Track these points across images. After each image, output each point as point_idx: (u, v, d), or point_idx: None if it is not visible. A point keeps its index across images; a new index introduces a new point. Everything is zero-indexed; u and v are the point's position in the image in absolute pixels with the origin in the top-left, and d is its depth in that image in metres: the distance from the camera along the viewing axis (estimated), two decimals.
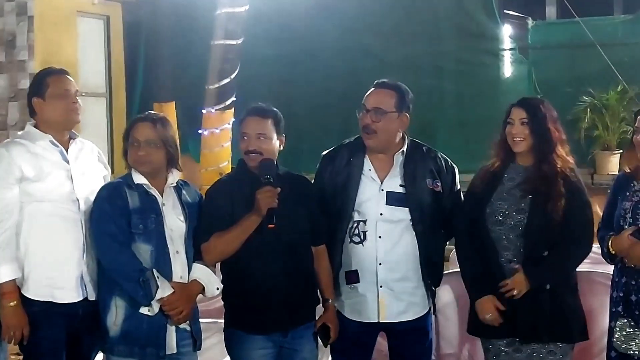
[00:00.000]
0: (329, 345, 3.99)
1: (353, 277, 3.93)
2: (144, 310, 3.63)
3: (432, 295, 4.05)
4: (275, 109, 3.87)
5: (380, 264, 3.91)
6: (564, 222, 3.72)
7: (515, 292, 3.71)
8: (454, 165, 4.12)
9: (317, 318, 3.92)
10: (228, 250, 3.72)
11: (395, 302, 3.94)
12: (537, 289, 3.73)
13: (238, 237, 3.69)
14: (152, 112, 4.03)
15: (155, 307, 3.62)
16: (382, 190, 3.95)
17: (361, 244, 3.93)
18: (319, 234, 3.91)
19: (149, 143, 3.72)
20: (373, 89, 4.01)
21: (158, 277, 3.61)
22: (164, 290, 3.61)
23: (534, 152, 3.83)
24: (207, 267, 3.76)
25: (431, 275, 4.01)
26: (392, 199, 3.93)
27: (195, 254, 3.77)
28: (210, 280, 3.76)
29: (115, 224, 3.63)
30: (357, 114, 3.98)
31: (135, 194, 3.69)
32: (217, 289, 3.78)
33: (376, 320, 3.95)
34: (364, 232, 3.92)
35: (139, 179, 3.72)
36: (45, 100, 3.83)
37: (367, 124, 3.92)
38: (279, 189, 3.67)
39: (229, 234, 3.70)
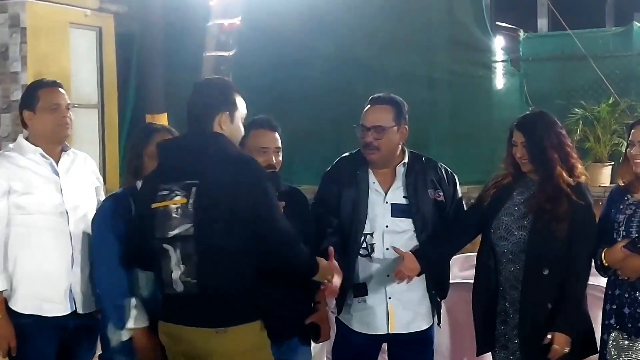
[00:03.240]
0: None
1: (362, 289, 3.93)
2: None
3: (436, 306, 4.06)
4: None
5: (388, 275, 3.91)
6: (566, 241, 3.74)
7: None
8: (454, 174, 4.13)
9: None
10: None
11: (404, 313, 3.95)
12: (538, 307, 3.75)
13: None
14: (156, 124, 4.07)
15: (125, 335, 3.57)
16: (387, 202, 3.96)
17: (369, 257, 3.93)
18: (310, 245, 3.91)
19: None
20: (369, 106, 4.00)
21: (135, 307, 3.55)
22: (135, 321, 3.55)
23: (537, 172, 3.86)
24: None
25: (435, 285, 4.02)
26: (397, 210, 3.95)
27: None
28: None
29: (114, 240, 3.57)
30: (357, 132, 3.97)
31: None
32: None
33: (386, 332, 3.95)
34: (372, 245, 3.92)
35: None
36: (35, 114, 3.83)
37: (369, 142, 3.92)
38: (284, 203, 3.66)
39: None
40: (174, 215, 3.21)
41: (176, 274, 3.22)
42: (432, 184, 3.99)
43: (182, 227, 3.20)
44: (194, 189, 3.19)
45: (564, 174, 3.79)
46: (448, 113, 10.87)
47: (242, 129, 3.46)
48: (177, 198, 3.21)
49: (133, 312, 3.54)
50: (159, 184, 3.29)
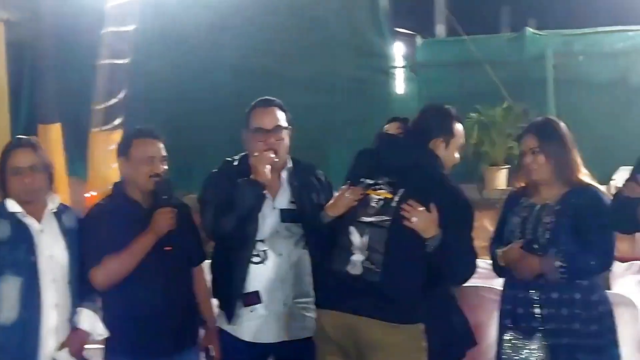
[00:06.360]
0: None
1: (254, 298, 3.84)
2: None
3: None
4: None
5: (282, 281, 3.85)
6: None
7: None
8: (330, 181, 4.12)
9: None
10: (122, 272, 3.63)
11: (299, 318, 3.90)
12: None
13: (134, 258, 3.62)
14: (23, 136, 3.88)
15: None
16: (275, 208, 3.91)
17: (262, 264, 3.85)
18: (196, 254, 3.91)
19: (33, 169, 3.56)
20: (262, 107, 3.96)
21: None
22: None
23: None
24: (93, 311, 3.65)
25: None
26: (286, 216, 3.91)
27: (79, 281, 3.62)
28: (95, 326, 3.66)
29: None
30: (249, 136, 3.91)
31: (6, 222, 3.53)
32: (100, 335, 3.68)
33: (281, 340, 3.87)
34: (264, 251, 3.85)
35: (13, 207, 3.55)
36: None
37: (272, 143, 3.86)
38: (175, 210, 3.66)
39: (123, 256, 3.62)
40: (372, 204, 3.54)
41: (357, 257, 3.48)
42: (315, 188, 4.00)
43: (380, 218, 3.50)
44: (401, 190, 3.53)
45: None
46: (348, 119, 10.90)
47: (457, 156, 3.83)
48: (382, 191, 3.56)
49: None
50: (366, 172, 3.66)
